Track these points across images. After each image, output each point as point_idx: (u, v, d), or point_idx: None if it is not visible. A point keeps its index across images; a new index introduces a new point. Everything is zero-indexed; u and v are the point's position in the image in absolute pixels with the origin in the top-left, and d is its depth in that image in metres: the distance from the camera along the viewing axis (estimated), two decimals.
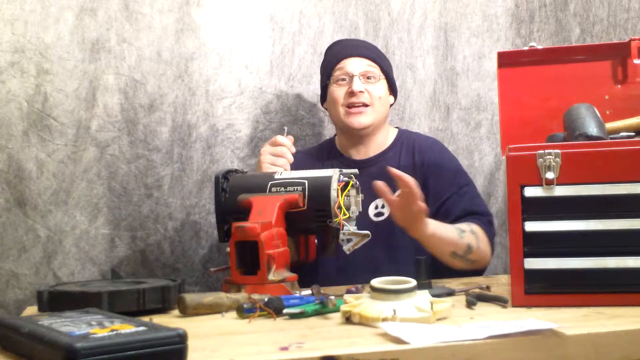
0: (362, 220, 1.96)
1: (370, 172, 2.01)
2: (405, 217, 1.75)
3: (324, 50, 2.20)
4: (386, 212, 2.02)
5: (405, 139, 2.14)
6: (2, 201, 2.08)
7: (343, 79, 2.07)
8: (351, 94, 2.03)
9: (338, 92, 2.06)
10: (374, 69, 2.08)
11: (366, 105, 2.04)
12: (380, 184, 1.71)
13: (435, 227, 1.81)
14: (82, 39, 2.14)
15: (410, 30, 2.45)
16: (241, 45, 2.30)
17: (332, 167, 1.83)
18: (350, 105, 2.04)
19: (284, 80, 2.34)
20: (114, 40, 2.17)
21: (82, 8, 2.15)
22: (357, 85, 2.03)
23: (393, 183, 1.80)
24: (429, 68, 2.46)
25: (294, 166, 1.96)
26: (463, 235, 1.87)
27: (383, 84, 2.09)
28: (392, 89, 2.14)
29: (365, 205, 2.00)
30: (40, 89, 2.11)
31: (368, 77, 2.06)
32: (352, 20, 2.40)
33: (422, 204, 1.71)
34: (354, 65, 2.06)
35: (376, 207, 2.05)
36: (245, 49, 2.30)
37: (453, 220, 1.96)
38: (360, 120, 2.05)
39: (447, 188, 2.03)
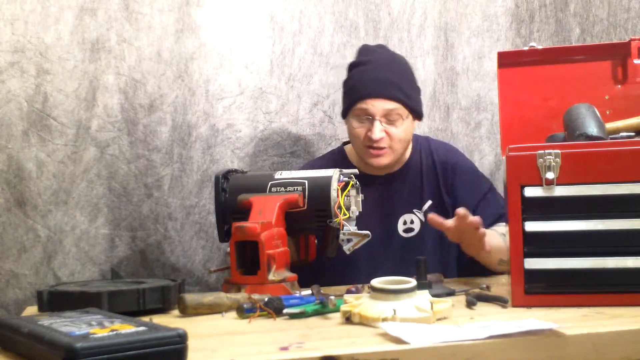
0: (392, 236, 2.01)
1: (395, 187, 2.03)
2: (465, 242, 1.79)
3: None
4: (416, 227, 2.02)
5: (421, 146, 2.10)
6: (2, 201, 2.08)
7: (364, 117, 1.96)
8: (370, 139, 1.94)
9: (359, 130, 1.96)
10: (399, 110, 1.95)
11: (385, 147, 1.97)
12: (431, 217, 1.75)
13: (490, 244, 1.77)
14: (82, 39, 2.14)
15: (410, 30, 2.44)
16: (241, 45, 2.30)
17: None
18: (369, 146, 1.96)
19: (284, 80, 2.34)
20: (114, 40, 2.17)
21: (82, 8, 2.14)
22: (377, 132, 1.92)
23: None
24: (429, 68, 2.46)
25: None
26: (506, 240, 1.83)
27: (406, 122, 1.97)
28: (419, 116, 2.04)
29: (394, 221, 2.02)
30: (40, 89, 2.11)
31: (390, 119, 1.94)
32: (352, 20, 2.39)
33: (481, 231, 1.72)
34: (377, 107, 1.93)
35: (404, 223, 2.02)
36: (245, 49, 2.30)
37: (486, 226, 1.93)
38: (380, 161, 1.96)
39: (474, 196, 2.03)
